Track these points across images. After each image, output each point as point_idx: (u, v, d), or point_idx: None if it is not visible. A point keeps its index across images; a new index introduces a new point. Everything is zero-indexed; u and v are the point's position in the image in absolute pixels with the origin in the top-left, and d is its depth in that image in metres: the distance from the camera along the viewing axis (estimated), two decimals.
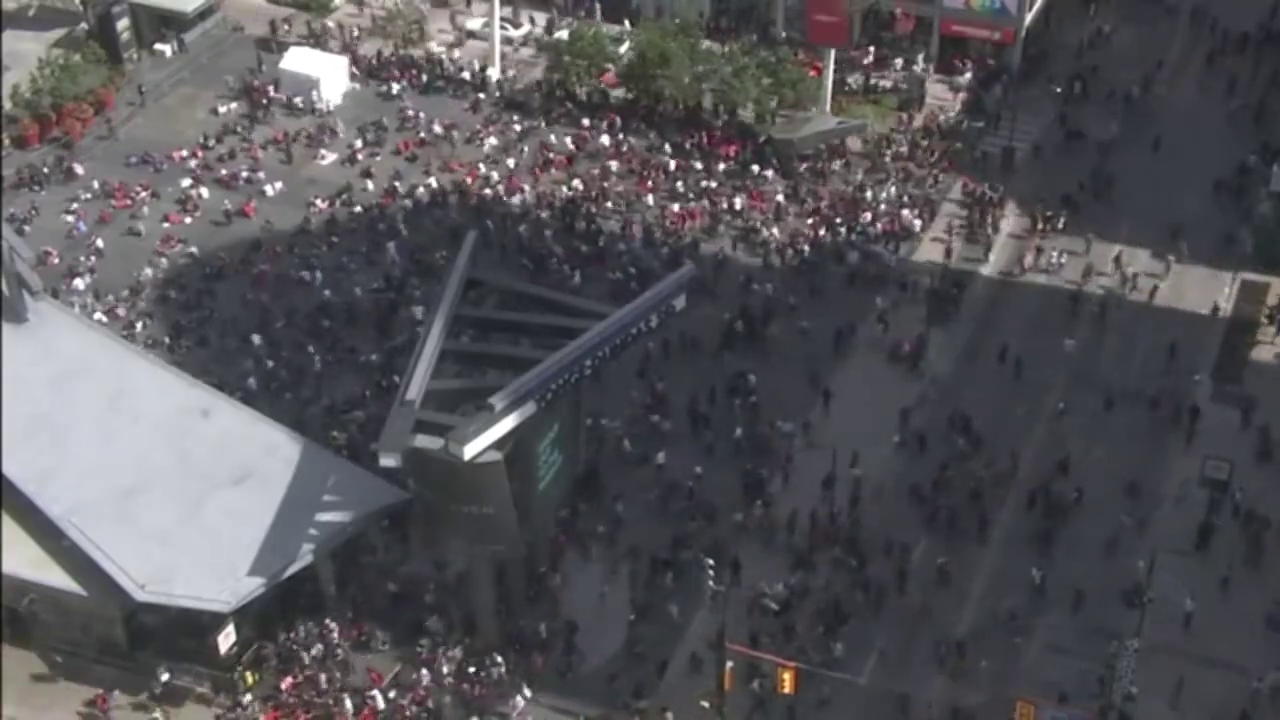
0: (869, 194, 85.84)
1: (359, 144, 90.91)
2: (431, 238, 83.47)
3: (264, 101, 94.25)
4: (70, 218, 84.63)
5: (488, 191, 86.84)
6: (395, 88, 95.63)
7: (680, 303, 62.20)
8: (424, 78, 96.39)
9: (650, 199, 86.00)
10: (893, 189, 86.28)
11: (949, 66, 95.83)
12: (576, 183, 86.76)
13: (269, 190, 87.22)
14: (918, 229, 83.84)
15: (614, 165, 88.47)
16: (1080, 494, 67.77)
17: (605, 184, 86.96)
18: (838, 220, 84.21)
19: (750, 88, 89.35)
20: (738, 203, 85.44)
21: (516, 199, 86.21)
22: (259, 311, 78.82)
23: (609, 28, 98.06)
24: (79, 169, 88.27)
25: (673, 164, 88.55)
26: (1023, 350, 76.12)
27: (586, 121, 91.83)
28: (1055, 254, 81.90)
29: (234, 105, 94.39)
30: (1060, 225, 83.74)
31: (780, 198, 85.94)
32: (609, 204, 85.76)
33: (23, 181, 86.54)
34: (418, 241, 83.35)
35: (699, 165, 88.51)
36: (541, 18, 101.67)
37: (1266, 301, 78.91)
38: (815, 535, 67.05)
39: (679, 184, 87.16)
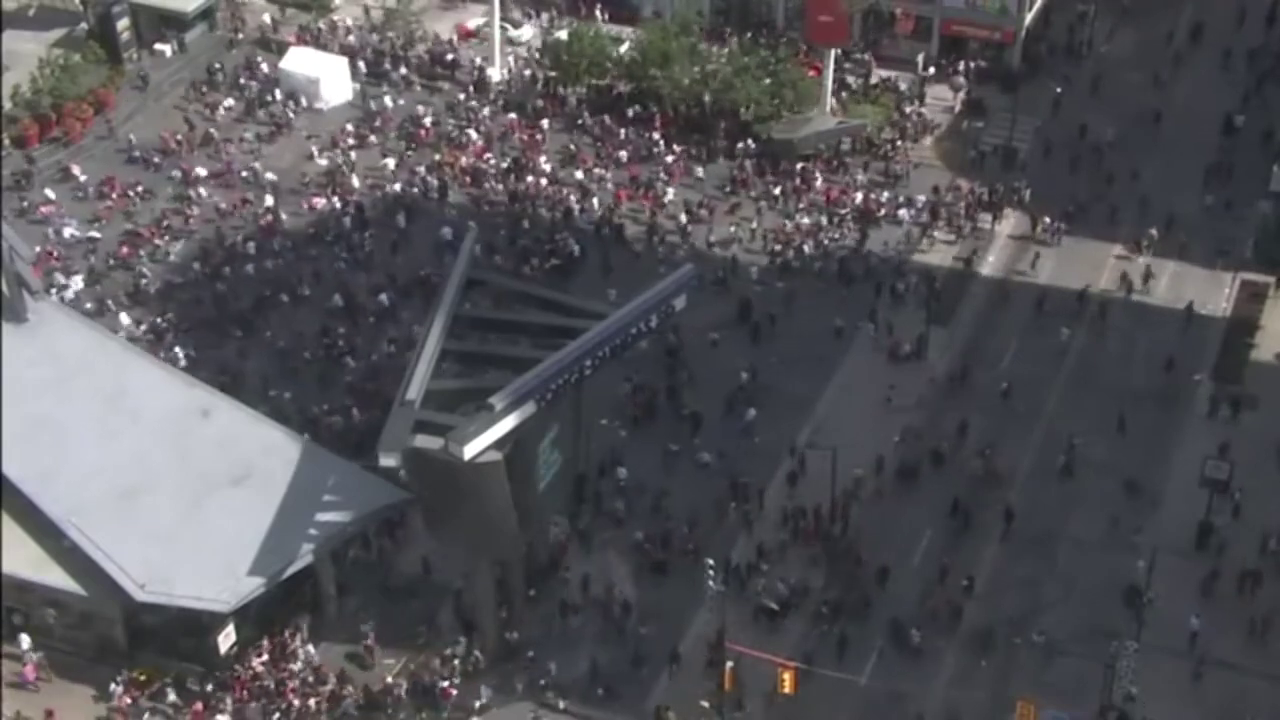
0: (819, 180, 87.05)
1: (357, 142, 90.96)
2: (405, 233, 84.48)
3: (264, 101, 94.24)
4: (65, 217, 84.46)
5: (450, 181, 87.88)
6: (393, 86, 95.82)
7: (680, 303, 62.22)
8: (421, 77, 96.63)
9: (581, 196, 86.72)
10: (860, 177, 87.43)
11: (949, 67, 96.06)
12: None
13: (266, 189, 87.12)
14: (900, 217, 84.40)
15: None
16: (971, 582, 64.74)
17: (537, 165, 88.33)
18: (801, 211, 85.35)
19: (750, 88, 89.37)
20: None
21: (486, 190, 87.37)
22: (252, 310, 78.81)
23: (609, 28, 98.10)
24: (76, 169, 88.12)
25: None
26: (1021, 349, 76.38)
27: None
28: (1050, 222, 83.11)
29: (231, 104, 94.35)
30: (1026, 198, 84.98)
31: (700, 170, 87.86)
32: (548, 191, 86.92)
33: (19, 185, 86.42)
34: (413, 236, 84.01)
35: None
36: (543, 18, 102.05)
37: (1268, 296, 79.41)
38: (805, 534, 67.20)
39: (622, 153, 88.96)
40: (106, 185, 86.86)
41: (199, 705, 60.44)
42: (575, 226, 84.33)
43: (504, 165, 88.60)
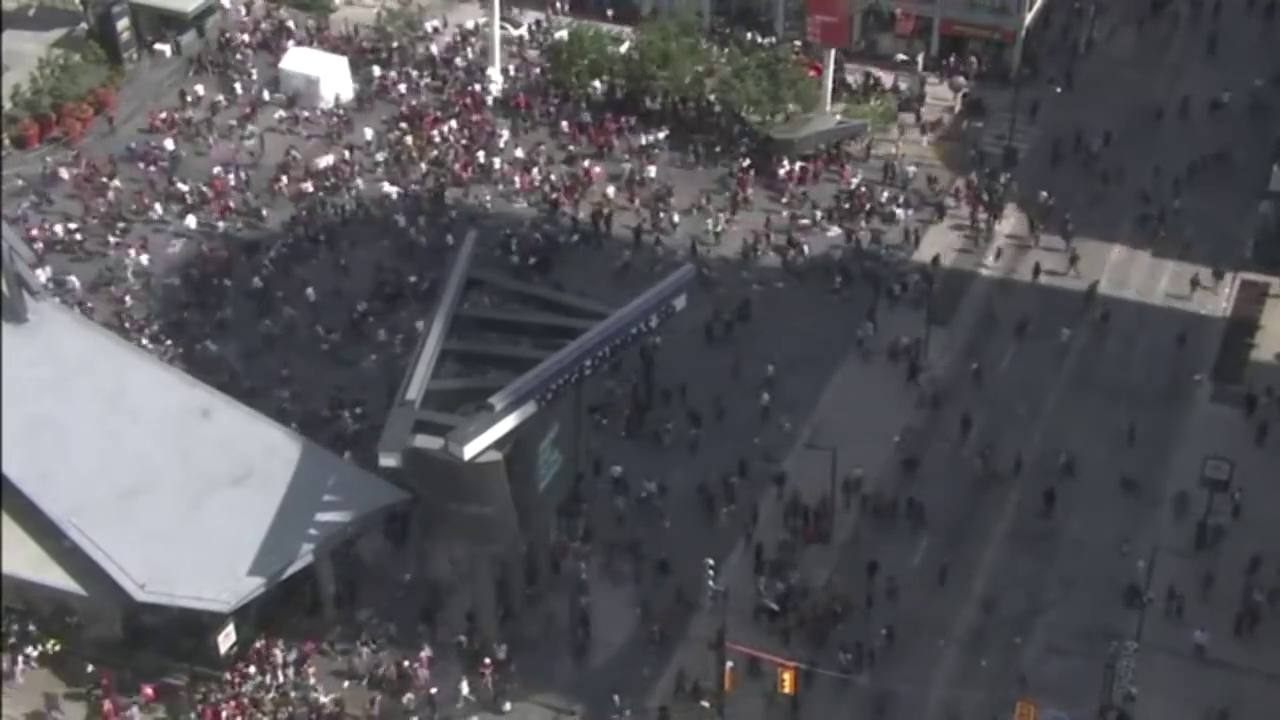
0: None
1: (355, 140, 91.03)
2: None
3: (262, 100, 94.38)
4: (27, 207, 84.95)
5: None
6: (390, 83, 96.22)
7: (681, 303, 62.16)
8: (421, 75, 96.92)
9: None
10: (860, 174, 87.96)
11: (949, 67, 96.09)
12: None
13: (264, 187, 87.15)
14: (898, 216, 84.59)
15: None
16: (891, 631, 62.85)
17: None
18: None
19: (750, 88, 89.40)
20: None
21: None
22: (247, 309, 78.90)
23: (609, 28, 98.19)
24: (64, 172, 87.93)
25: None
26: (1021, 349, 76.49)
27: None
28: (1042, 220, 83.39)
29: (227, 101, 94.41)
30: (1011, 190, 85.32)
31: (654, 137, 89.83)
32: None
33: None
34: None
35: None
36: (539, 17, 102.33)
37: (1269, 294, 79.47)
38: (804, 533, 67.24)
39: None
40: (89, 168, 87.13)
41: (108, 705, 60.46)
42: (556, 221, 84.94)
43: (462, 144, 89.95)
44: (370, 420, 69.57)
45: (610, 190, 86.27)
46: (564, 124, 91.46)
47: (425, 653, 62.02)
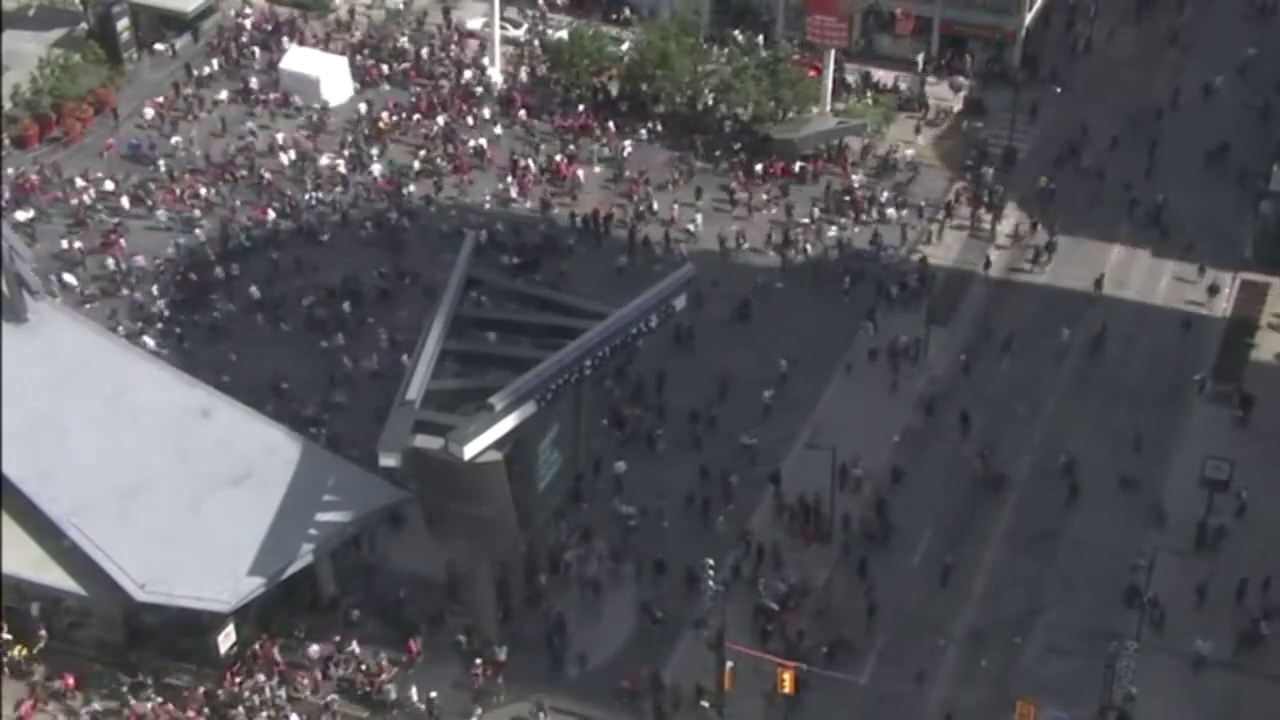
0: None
1: (355, 141, 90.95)
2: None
3: (261, 100, 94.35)
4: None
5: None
6: (378, 74, 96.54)
7: (680, 302, 62.17)
8: (418, 73, 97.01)
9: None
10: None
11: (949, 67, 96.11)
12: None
13: (262, 187, 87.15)
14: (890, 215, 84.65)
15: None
16: (832, 650, 62.86)
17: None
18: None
19: (750, 88, 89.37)
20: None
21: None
22: (246, 307, 78.96)
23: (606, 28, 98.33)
24: (34, 176, 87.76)
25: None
26: (1021, 349, 76.36)
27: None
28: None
29: (227, 99, 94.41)
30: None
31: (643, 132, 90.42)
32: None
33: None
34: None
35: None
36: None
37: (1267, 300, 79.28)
38: (802, 532, 67.29)
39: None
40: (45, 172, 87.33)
41: (28, 706, 60.67)
42: (553, 220, 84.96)
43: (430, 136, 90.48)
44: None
45: (580, 173, 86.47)
46: (523, 113, 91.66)
47: (385, 660, 62.21)
